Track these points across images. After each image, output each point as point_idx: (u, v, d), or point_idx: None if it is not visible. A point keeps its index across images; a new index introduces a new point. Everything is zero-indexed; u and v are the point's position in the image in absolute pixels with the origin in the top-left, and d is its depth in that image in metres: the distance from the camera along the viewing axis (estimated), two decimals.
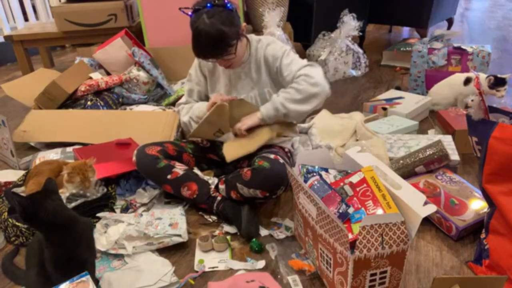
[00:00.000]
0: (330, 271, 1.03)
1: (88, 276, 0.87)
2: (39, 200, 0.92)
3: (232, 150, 1.37)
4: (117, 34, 2.42)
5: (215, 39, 1.26)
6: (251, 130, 1.39)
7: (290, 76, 1.37)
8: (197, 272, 1.16)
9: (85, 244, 1.01)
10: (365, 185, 1.09)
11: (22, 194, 1.37)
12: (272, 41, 1.44)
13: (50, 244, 0.94)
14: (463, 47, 2.23)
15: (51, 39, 2.81)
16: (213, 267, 1.18)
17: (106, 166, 1.49)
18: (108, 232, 1.24)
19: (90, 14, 2.65)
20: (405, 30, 4.23)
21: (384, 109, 2.06)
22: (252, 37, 1.47)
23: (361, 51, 2.88)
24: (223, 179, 1.38)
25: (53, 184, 0.96)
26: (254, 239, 1.25)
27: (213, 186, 1.41)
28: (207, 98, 1.54)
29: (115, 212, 1.42)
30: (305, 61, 1.39)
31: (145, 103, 2.31)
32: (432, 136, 1.69)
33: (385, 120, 1.92)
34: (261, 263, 1.18)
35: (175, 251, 1.25)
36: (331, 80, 2.77)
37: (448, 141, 1.60)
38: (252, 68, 1.44)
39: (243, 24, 1.37)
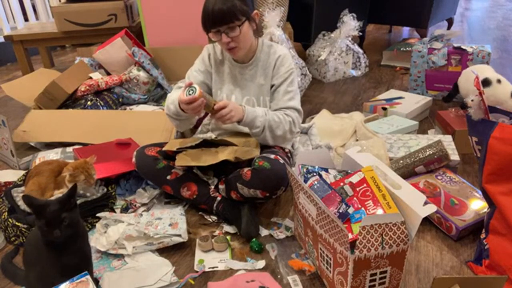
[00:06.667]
0: (330, 271, 1.03)
1: (88, 276, 0.87)
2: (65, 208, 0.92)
3: (185, 158, 1.34)
4: (117, 34, 2.43)
5: (223, 7, 1.26)
6: (215, 146, 1.39)
7: (280, 104, 1.42)
8: (197, 272, 1.16)
9: (88, 247, 1.01)
10: (365, 185, 1.09)
11: (20, 193, 1.38)
12: (284, 56, 1.44)
13: (61, 251, 0.94)
14: (463, 47, 2.23)
15: (51, 39, 2.81)
16: (213, 267, 1.18)
17: (106, 166, 1.50)
18: (108, 232, 1.24)
19: (90, 14, 2.65)
20: (405, 30, 4.23)
21: (384, 109, 2.06)
22: (264, 40, 1.48)
23: (361, 51, 2.88)
24: (223, 179, 1.38)
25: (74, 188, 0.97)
26: (254, 239, 1.25)
27: (212, 187, 1.41)
28: (208, 90, 1.52)
29: (115, 212, 1.42)
30: (298, 103, 1.44)
31: (145, 103, 2.31)
32: (432, 136, 1.69)
33: (385, 120, 1.92)
34: (261, 263, 1.18)
35: (175, 251, 1.25)
36: (331, 80, 2.77)
37: (448, 141, 1.60)
38: (259, 73, 1.45)
39: (255, 11, 1.37)
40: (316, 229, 1.05)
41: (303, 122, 1.94)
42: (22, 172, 1.58)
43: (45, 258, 0.95)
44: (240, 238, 1.30)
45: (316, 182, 1.13)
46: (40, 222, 0.90)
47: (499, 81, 1.75)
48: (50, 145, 1.86)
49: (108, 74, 2.41)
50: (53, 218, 0.90)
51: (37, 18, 3.89)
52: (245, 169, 1.31)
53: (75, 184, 0.98)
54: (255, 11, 1.37)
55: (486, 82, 1.75)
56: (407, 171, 1.44)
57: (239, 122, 1.35)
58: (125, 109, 2.22)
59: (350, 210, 1.05)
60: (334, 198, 1.07)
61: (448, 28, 3.79)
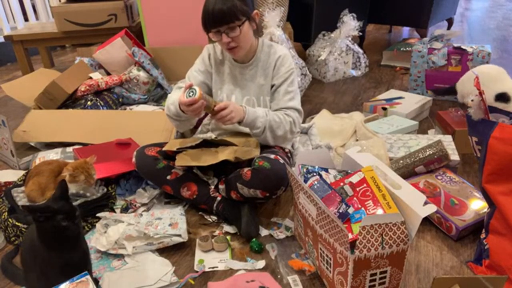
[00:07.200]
0: (330, 271, 1.03)
1: (88, 276, 0.87)
2: (67, 206, 0.92)
3: (185, 158, 1.34)
4: (117, 34, 2.42)
5: (223, 7, 1.26)
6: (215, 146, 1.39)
7: (280, 104, 1.42)
8: (197, 272, 1.16)
9: (86, 245, 1.01)
10: (365, 185, 1.09)
11: (21, 193, 1.38)
12: (285, 56, 1.44)
13: (61, 250, 0.94)
14: (463, 47, 2.23)
15: (51, 39, 2.81)
16: (213, 267, 1.18)
17: (106, 166, 1.50)
18: (108, 232, 1.24)
19: (90, 14, 2.65)
20: (405, 30, 4.23)
21: (384, 109, 2.06)
22: (264, 40, 1.48)
23: (361, 51, 2.88)
24: (223, 179, 1.38)
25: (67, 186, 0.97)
26: (254, 239, 1.25)
27: (212, 187, 1.41)
28: (208, 90, 1.52)
29: (115, 212, 1.42)
30: (299, 103, 1.44)
31: (145, 103, 2.31)
32: (432, 136, 1.69)
33: (385, 120, 1.92)
34: (261, 263, 1.18)
35: (175, 251, 1.25)
36: (331, 80, 2.77)
37: (448, 141, 1.60)
38: (259, 73, 1.45)
39: (255, 11, 1.37)
40: (316, 229, 1.05)
41: (303, 122, 1.94)
42: (22, 172, 1.58)
43: (45, 258, 0.94)
44: (240, 238, 1.30)
45: (316, 182, 1.13)
46: (57, 220, 0.90)
47: None
48: (50, 145, 1.86)
49: (108, 74, 2.41)
50: (70, 210, 0.91)
51: (37, 18, 3.89)
52: (245, 169, 1.30)
53: (63, 180, 0.97)
54: (255, 11, 1.37)
55: (504, 98, 1.65)
56: (407, 171, 1.44)
57: (239, 122, 1.35)
58: (125, 109, 2.22)
59: (350, 210, 1.05)
60: (334, 198, 1.07)
61: (448, 28, 3.79)
